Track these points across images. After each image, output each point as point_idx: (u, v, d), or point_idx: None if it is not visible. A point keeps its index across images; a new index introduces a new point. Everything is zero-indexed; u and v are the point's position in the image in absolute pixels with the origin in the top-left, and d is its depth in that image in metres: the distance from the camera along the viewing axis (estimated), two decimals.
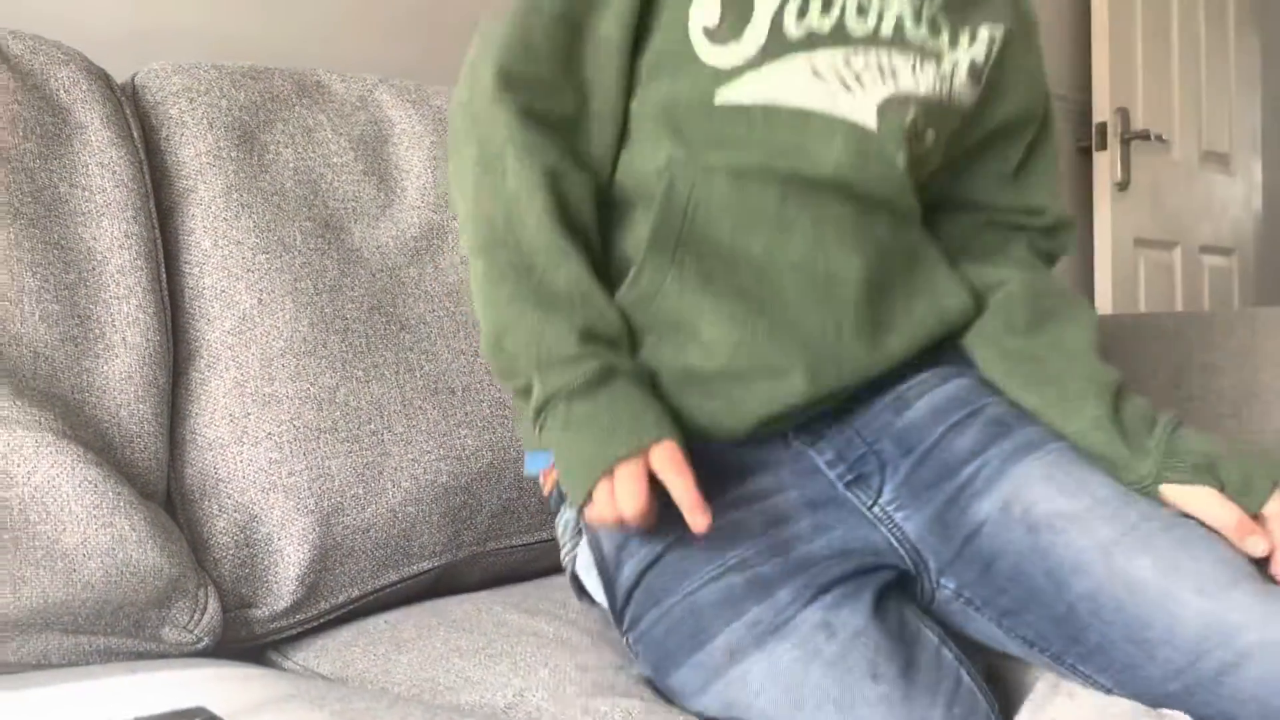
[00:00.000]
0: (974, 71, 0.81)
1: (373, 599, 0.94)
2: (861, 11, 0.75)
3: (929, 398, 0.78)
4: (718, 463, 0.74)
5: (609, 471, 0.66)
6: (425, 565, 0.96)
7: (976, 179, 0.87)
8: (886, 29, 0.75)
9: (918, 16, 0.77)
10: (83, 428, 0.83)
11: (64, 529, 0.78)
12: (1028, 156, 0.88)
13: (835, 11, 0.74)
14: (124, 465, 0.85)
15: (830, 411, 0.78)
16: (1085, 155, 2.59)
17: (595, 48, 0.74)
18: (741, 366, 0.73)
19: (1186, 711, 0.65)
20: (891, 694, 0.63)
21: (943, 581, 0.73)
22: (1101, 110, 2.51)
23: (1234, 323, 1.38)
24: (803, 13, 0.73)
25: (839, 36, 0.74)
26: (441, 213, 1.09)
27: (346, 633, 0.89)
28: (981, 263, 0.85)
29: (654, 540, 0.72)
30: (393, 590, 0.95)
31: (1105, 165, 2.52)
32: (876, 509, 0.74)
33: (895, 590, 0.71)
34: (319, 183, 1.02)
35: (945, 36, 0.79)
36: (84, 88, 0.95)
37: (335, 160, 1.04)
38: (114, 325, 0.88)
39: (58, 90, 0.93)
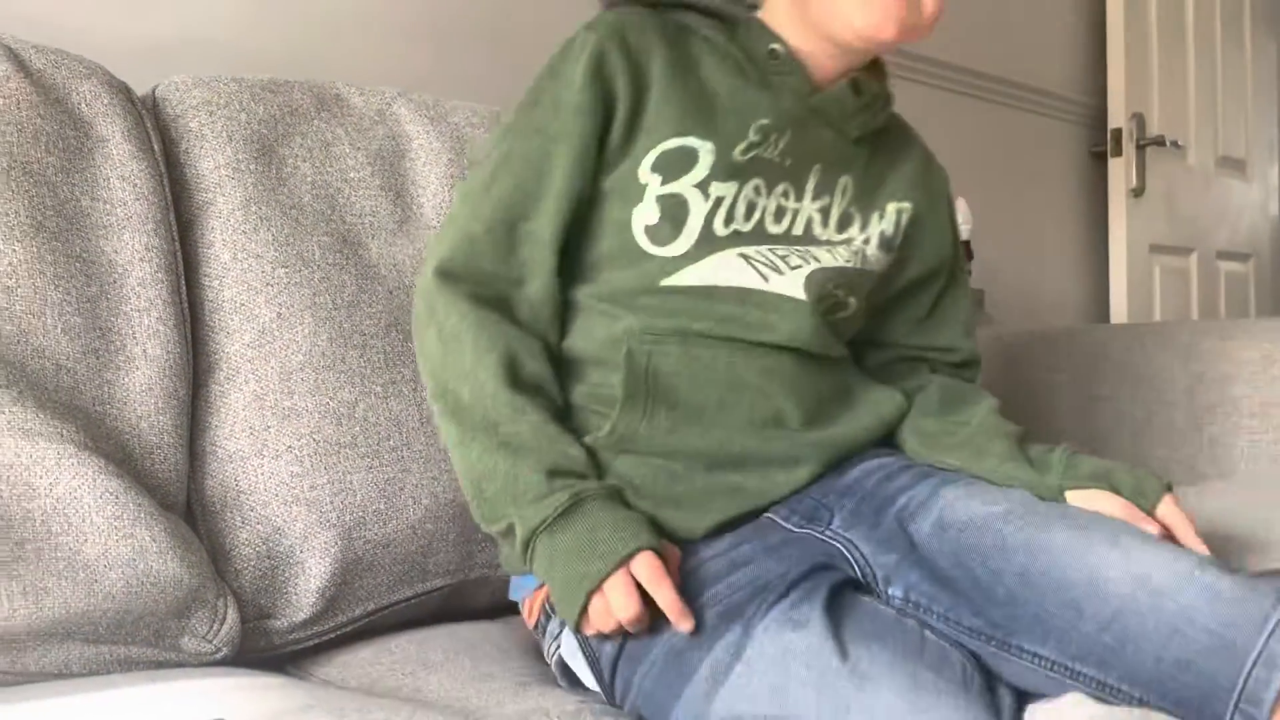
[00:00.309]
0: (884, 242, 0.94)
1: (387, 613, 0.95)
2: (778, 218, 0.90)
3: (863, 465, 0.88)
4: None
5: (598, 588, 0.73)
6: (439, 583, 0.97)
7: (894, 324, 1.01)
8: (798, 230, 0.90)
9: (825, 218, 0.92)
10: (104, 439, 0.84)
11: (85, 540, 0.78)
12: (938, 302, 1.01)
13: (755, 217, 0.88)
14: (144, 476, 0.86)
15: (810, 496, 0.86)
16: (1100, 160, 2.58)
17: (531, 245, 0.86)
18: (704, 488, 0.84)
19: (1120, 663, 0.69)
20: (860, 664, 0.68)
21: (891, 591, 0.77)
22: (1117, 116, 2.50)
23: (1251, 332, 1.38)
24: (729, 220, 0.87)
25: (760, 235, 0.88)
26: None
27: (367, 650, 0.89)
28: (898, 386, 0.97)
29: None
30: (406, 605, 0.96)
31: (1120, 171, 2.51)
32: (829, 533, 0.82)
33: (851, 587, 0.77)
34: (336, 197, 1.03)
35: (856, 225, 0.93)
36: (105, 101, 0.96)
37: (353, 175, 1.05)
38: (135, 338, 0.89)
39: (80, 104, 0.94)
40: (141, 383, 0.88)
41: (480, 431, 0.79)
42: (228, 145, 1.00)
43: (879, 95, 0.94)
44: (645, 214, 0.86)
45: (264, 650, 0.89)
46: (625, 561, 0.73)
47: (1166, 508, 0.82)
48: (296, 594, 0.89)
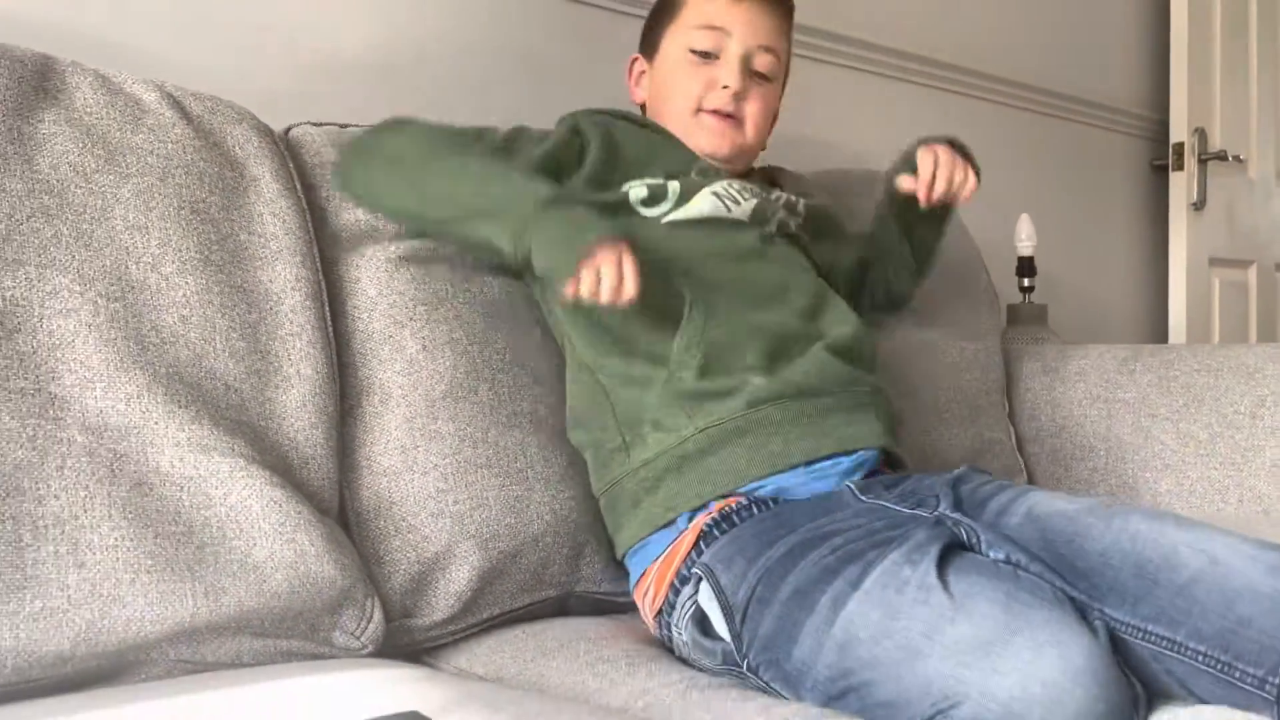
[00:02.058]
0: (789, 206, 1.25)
1: (509, 616, 1.04)
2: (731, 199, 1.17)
3: (961, 473, 1.02)
4: (807, 508, 0.96)
5: (590, 253, 0.94)
6: (552, 593, 1.06)
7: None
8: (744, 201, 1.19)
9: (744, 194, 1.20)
10: (268, 452, 0.93)
11: (255, 544, 0.88)
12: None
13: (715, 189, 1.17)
14: (301, 485, 0.95)
15: (886, 484, 1.01)
16: (1161, 174, 2.61)
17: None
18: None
19: (1188, 622, 0.79)
20: (961, 586, 0.80)
21: (993, 554, 0.87)
22: (1179, 130, 2.53)
23: None
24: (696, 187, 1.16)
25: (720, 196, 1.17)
26: None
27: (490, 640, 0.99)
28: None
29: (760, 561, 0.90)
30: (525, 610, 1.05)
31: (1182, 185, 2.55)
32: (937, 514, 0.93)
33: (959, 548, 0.87)
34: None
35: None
36: (255, 144, 1.05)
37: None
38: (289, 359, 0.98)
39: (234, 147, 1.04)
40: (297, 400, 0.97)
41: (474, 161, 1.09)
42: None
43: (793, 199, 1.25)
44: (636, 192, 1.14)
45: (403, 646, 0.98)
46: (616, 240, 0.95)
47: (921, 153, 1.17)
48: (437, 596, 0.98)
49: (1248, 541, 0.83)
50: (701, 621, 0.94)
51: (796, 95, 1.81)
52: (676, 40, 1.21)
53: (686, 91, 1.19)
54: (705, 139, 1.19)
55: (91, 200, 0.91)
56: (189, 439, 0.88)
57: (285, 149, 1.11)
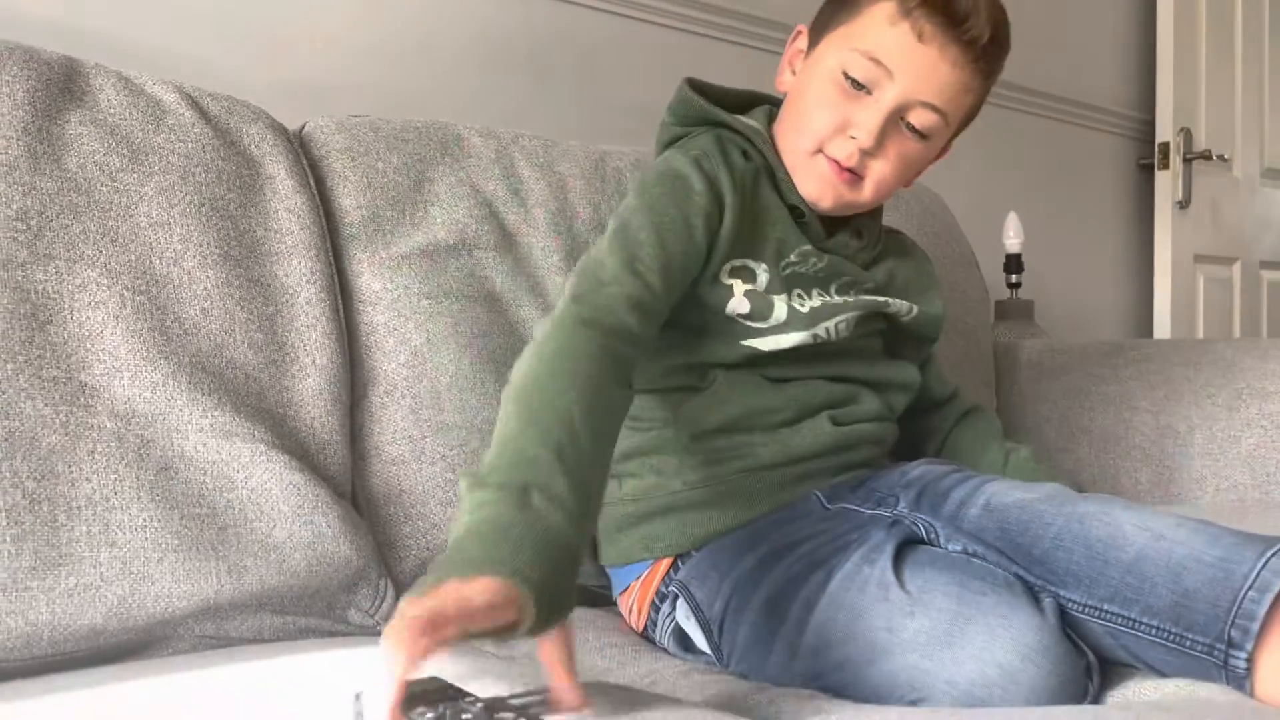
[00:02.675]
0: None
1: None
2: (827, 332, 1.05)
3: (922, 468, 1.03)
4: (775, 521, 0.98)
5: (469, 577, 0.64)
6: None
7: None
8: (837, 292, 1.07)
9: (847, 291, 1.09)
10: (286, 437, 0.98)
11: (275, 525, 0.92)
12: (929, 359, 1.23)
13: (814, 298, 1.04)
14: (318, 469, 0.99)
15: (851, 486, 1.02)
16: (1146, 172, 2.67)
17: (651, 274, 0.93)
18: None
19: (1140, 599, 0.82)
20: (918, 581, 0.83)
21: (950, 546, 0.92)
22: (1164, 130, 2.59)
23: None
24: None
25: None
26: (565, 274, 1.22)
27: None
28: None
29: (732, 574, 0.94)
30: None
31: (1167, 184, 2.60)
32: (896, 513, 0.96)
33: (916, 542, 0.91)
34: (465, 233, 1.16)
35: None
36: (270, 142, 1.09)
37: (477, 214, 1.18)
38: (305, 350, 1.03)
39: (250, 145, 1.08)
40: (313, 389, 1.02)
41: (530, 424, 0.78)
42: (367, 189, 1.13)
43: (875, 232, 1.12)
44: (737, 305, 1.00)
45: None
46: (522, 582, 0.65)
47: None
48: None
49: (1188, 519, 0.87)
50: (683, 638, 0.98)
51: None
52: (837, 50, 1.00)
53: (816, 125, 1.00)
54: (813, 185, 1.02)
55: (117, 198, 0.96)
56: (212, 425, 0.92)
57: (299, 145, 1.15)
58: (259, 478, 0.93)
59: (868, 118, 0.98)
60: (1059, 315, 2.35)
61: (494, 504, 0.69)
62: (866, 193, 1.02)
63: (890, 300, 1.11)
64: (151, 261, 0.96)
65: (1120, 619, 0.83)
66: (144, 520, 0.86)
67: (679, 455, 1.02)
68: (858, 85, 0.98)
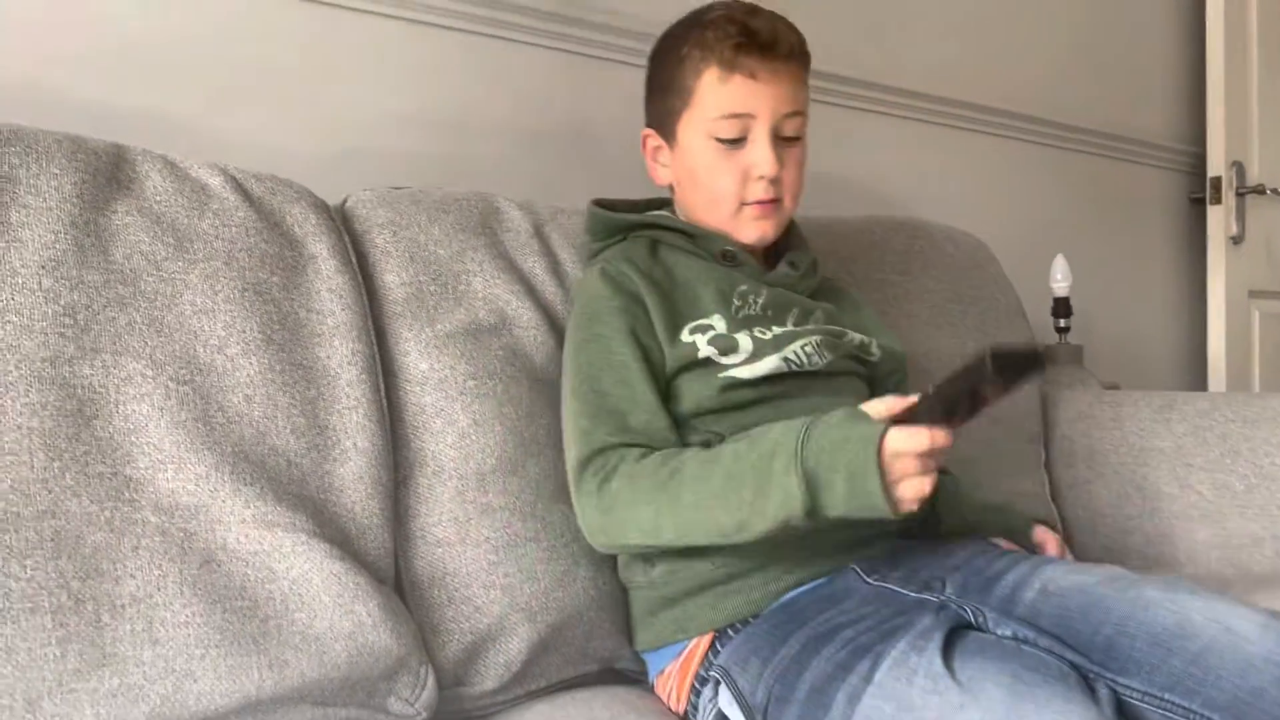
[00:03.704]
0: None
1: (553, 688, 1.08)
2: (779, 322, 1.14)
3: (969, 548, 1.04)
4: (815, 600, 0.98)
5: (889, 469, 0.87)
6: (594, 667, 1.09)
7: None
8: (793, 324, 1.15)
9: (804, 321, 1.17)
10: (327, 524, 0.98)
11: (316, 616, 0.92)
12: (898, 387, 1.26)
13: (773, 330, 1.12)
14: (359, 555, 0.99)
15: (889, 561, 1.02)
16: (1198, 207, 2.61)
17: (636, 415, 1.06)
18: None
19: (1203, 691, 0.81)
20: (968, 671, 0.81)
21: (1000, 631, 0.89)
22: (1216, 164, 2.53)
23: None
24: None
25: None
26: None
27: (540, 707, 1.02)
28: None
29: (774, 661, 0.93)
30: (566, 683, 1.08)
31: (1219, 219, 2.54)
32: (943, 597, 0.95)
33: (965, 627, 0.90)
34: (505, 310, 1.16)
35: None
36: (313, 222, 1.10)
37: (517, 289, 1.18)
38: (346, 433, 1.03)
39: (293, 226, 1.09)
40: (354, 473, 1.02)
41: (702, 483, 0.95)
42: (409, 265, 1.14)
43: (807, 261, 1.21)
44: (704, 349, 1.08)
45: (455, 713, 1.02)
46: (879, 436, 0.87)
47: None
48: (488, 666, 1.02)
49: (1259, 611, 0.85)
50: None
51: (836, 141, 1.86)
52: (697, 130, 1.12)
53: (723, 190, 1.12)
54: (751, 230, 1.14)
55: (162, 287, 0.97)
56: (254, 515, 0.93)
57: (341, 222, 1.16)
58: (300, 567, 0.93)
59: (760, 154, 1.11)
60: (1109, 358, 2.31)
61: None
62: (787, 203, 1.15)
63: (846, 330, 1.18)
64: (196, 350, 0.96)
65: (1181, 709, 0.82)
66: (186, 617, 0.86)
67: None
68: (734, 140, 1.11)
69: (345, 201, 1.20)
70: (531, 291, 1.21)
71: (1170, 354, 2.60)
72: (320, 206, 1.13)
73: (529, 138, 1.53)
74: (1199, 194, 2.61)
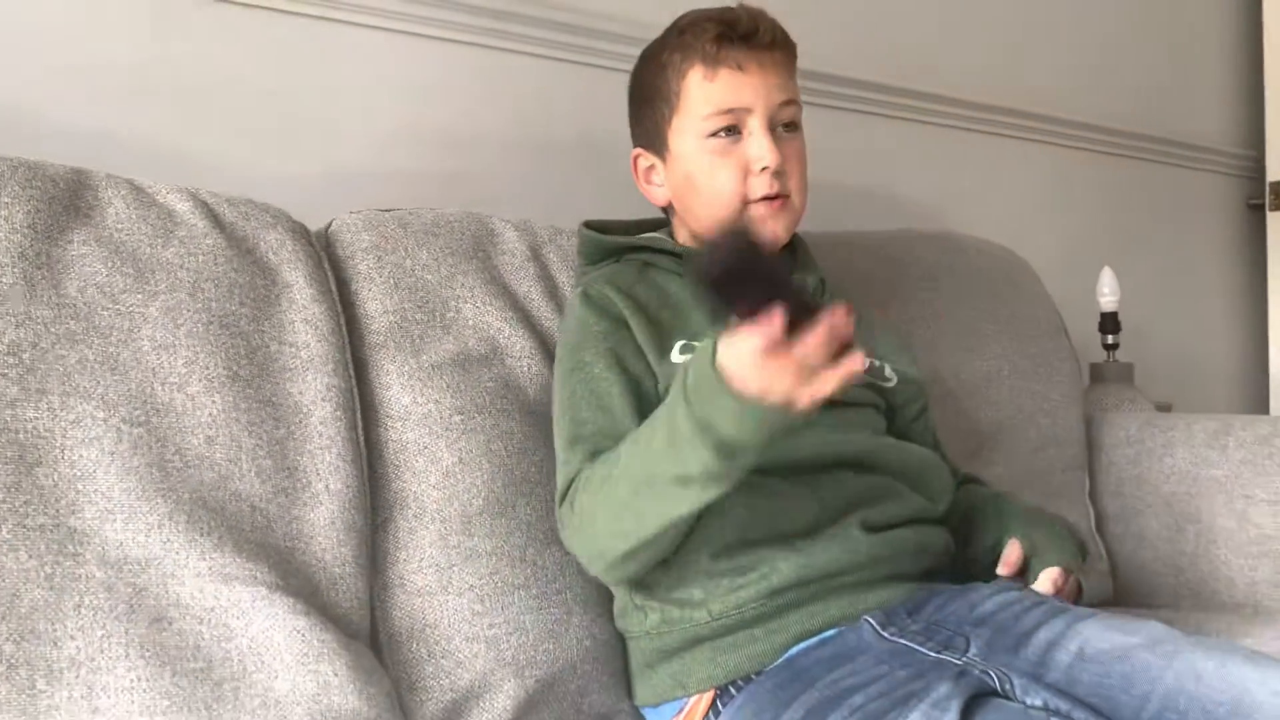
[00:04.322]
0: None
1: None
2: None
3: (996, 598, 0.93)
4: (824, 658, 0.90)
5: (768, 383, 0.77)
6: None
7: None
8: None
9: None
10: (293, 575, 0.91)
11: (276, 677, 0.85)
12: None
13: None
14: (329, 607, 0.92)
15: (909, 609, 0.94)
16: (1257, 213, 2.48)
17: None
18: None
19: None
20: None
21: (1029, 700, 0.81)
22: (1276, 168, 2.40)
23: None
24: None
25: None
26: None
27: None
28: None
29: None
30: None
31: (1279, 225, 2.41)
32: (966, 659, 0.87)
33: (988, 694, 0.81)
34: (496, 339, 1.09)
35: None
36: (290, 248, 1.04)
37: (510, 315, 1.11)
38: (318, 474, 0.96)
39: (267, 253, 1.02)
40: (325, 517, 0.95)
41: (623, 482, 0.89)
42: (394, 291, 1.07)
43: (815, 278, 1.12)
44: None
45: None
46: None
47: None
48: None
49: None
50: None
51: (858, 151, 1.77)
52: (689, 134, 1.06)
53: (724, 189, 1.05)
54: (759, 234, 1.05)
55: (119, 321, 0.91)
56: (210, 568, 0.86)
57: (323, 247, 1.10)
58: (260, 624, 0.86)
59: (759, 146, 1.04)
60: (1162, 377, 2.18)
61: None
62: (795, 199, 1.07)
63: None
64: (153, 388, 0.90)
65: None
66: (131, 681, 0.80)
67: (700, 581, 0.95)
68: (729, 132, 1.05)
69: (329, 225, 1.13)
70: (526, 318, 1.14)
71: (1228, 372, 2.47)
72: (298, 231, 1.07)
73: (532, 152, 1.46)
74: (1258, 200, 2.48)
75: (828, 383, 0.76)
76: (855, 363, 0.75)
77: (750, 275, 0.72)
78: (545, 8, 1.45)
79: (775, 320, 0.72)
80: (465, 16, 1.39)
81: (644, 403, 1.00)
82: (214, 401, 0.92)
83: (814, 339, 0.74)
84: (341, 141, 1.32)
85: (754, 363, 0.76)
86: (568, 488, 0.95)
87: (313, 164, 1.30)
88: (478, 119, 1.42)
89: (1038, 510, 1.09)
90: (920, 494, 1.03)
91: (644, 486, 0.87)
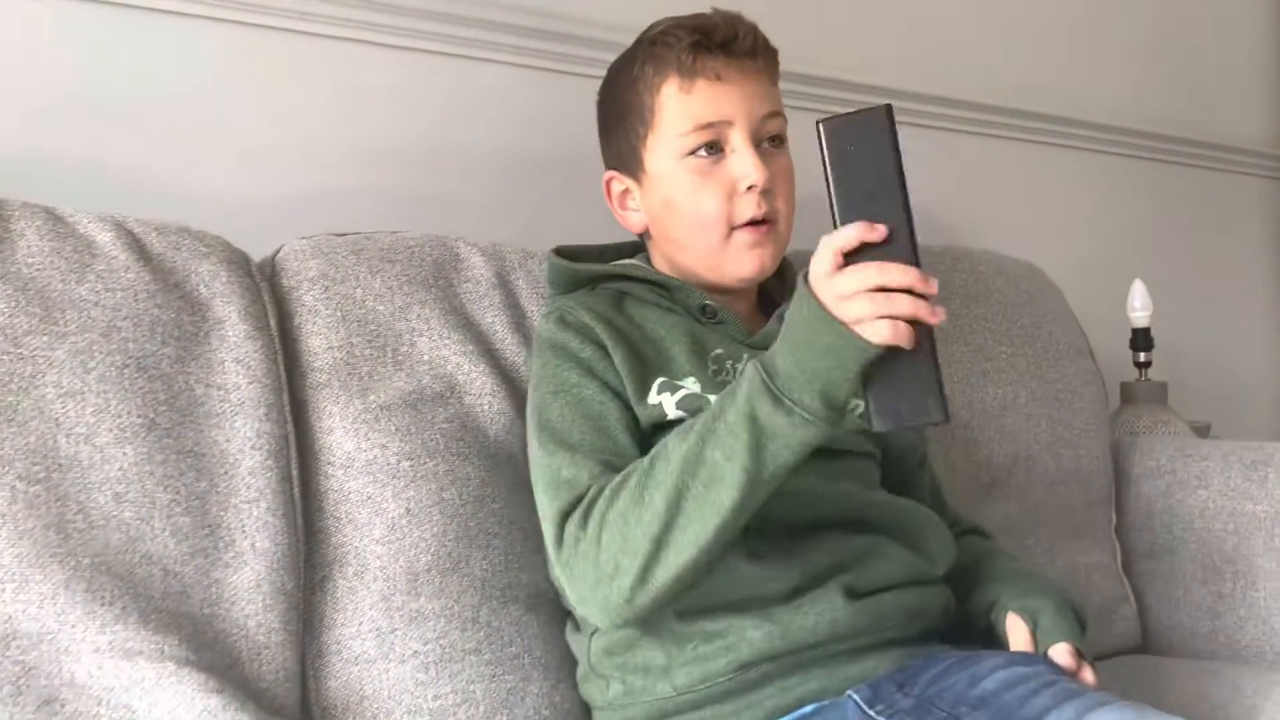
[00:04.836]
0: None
1: None
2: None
3: (1004, 674, 0.81)
4: None
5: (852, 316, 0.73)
6: None
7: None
8: None
9: None
10: (208, 647, 0.83)
11: None
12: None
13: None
14: (252, 680, 0.84)
15: (900, 681, 0.83)
16: None
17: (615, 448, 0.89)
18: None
19: None
20: None
21: None
22: None
23: None
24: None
25: None
26: None
27: None
28: None
29: None
30: None
31: None
32: None
33: None
34: (455, 375, 1.01)
35: None
36: (224, 280, 0.96)
37: (471, 349, 1.02)
38: (243, 531, 0.88)
39: (198, 286, 0.94)
40: (250, 580, 0.87)
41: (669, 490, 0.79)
42: (342, 325, 0.99)
43: None
44: (670, 411, 0.90)
45: None
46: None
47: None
48: None
49: None
50: None
51: None
52: (666, 153, 0.97)
53: (708, 212, 0.95)
54: (746, 262, 0.96)
55: (19, 367, 0.83)
56: (110, 642, 0.78)
57: (267, 277, 1.02)
58: (166, 704, 0.78)
59: (743, 161, 0.95)
60: (1199, 397, 2.05)
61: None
62: (783, 224, 0.99)
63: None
64: (56, 441, 0.82)
65: None
66: None
67: (664, 649, 0.86)
68: (710, 149, 0.96)
69: (277, 253, 1.05)
70: (489, 352, 1.05)
71: (1270, 390, 2.33)
72: (235, 261, 0.98)
73: (512, 168, 1.38)
74: None
75: (908, 306, 0.72)
76: (937, 313, 0.72)
77: (879, 169, 0.74)
78: (522, 13, 1.36)
79: (878, 230, 0.73)
80: (433, 25, 1.30)
81: (638, 428, 0.90)
82: (125, 453, 0.84)
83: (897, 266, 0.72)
84: (302, 161, 1.24)
85: (836, 261, 0.74)
86: (573, 505, 0.83)
87: (268, 186, 1.21)
88: (450, 133, 1.33)
89: (1039, 578, 0.97)
90: (916, 553, 0.92)
91: (705, 464, 0.77)
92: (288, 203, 1.22)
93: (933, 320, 0.72)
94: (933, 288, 0.73)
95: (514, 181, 1.37)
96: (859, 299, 0.72)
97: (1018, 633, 0.90)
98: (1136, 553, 1.41)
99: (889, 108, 0.75)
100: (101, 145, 1.12)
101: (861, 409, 0.76)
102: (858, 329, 0.72)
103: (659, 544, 0.78)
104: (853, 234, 0.73)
